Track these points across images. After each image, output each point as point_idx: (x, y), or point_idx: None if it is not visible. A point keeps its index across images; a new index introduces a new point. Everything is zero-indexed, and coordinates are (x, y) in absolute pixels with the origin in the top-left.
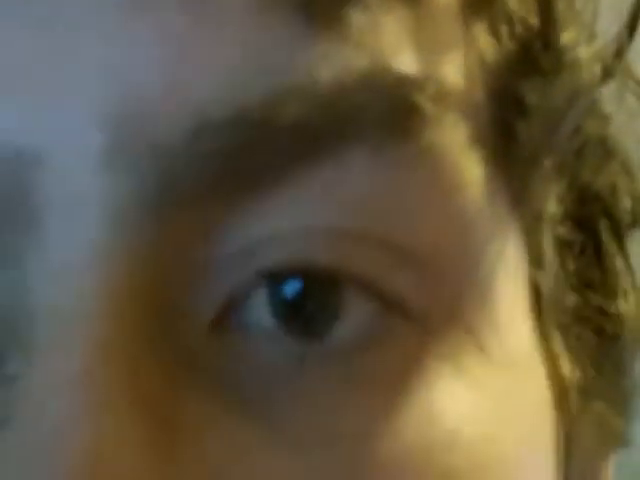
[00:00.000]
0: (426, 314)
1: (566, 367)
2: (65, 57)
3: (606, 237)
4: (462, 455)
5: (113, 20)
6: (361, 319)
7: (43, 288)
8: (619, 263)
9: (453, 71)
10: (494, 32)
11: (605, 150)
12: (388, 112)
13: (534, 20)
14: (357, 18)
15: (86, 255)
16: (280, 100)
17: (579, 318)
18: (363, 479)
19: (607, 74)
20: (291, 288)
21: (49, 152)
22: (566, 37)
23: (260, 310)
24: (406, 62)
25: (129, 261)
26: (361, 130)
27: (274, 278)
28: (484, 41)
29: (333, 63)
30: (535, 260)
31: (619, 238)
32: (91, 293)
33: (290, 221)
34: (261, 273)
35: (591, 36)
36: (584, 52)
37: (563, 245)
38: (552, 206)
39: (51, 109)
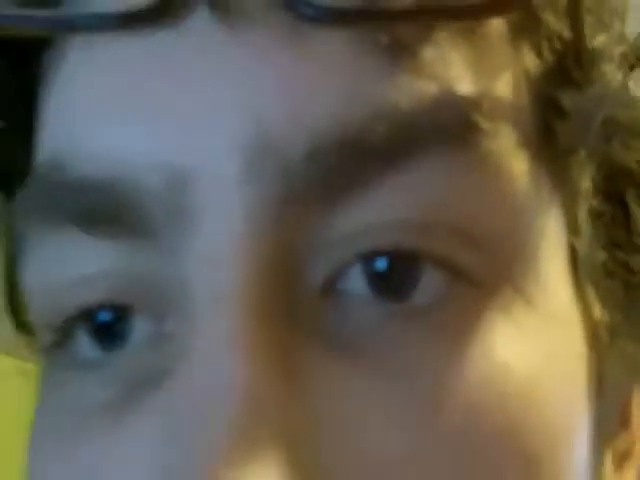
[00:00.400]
0: (485, 280)
1: (597, 313)
2: (212, 98)
3: (633, 204)
4: (515, 386)
5: (246, 69)
6: (435, 286)
7: (199, 269)
8: None
9: (504, 88)
10: (537, 49)
11: (633, 130)
12: (454, 127)
13: (567, 34)
14: (429, 54)
15: (232, 243)
16: (372, 123)
17: (609, 273)
18: (441, 403)
19: (633, 68)
20: (381, 264)
21: (201, 169)
22: (596, 43)
23: (357, 280)
24: (466, 86)
25: (263, 247)
26: (434, 142)
27: (368, 256)
28: (528, 58)
29: (411, 91)
30: (572, 228)
31: None
32: (236, 271)
33: (381, 215)
34: (358, 255)
35: (620, 37)
36: (613, 52)
37: (595, 214)
38: (586, 183)
39: (202, 137)
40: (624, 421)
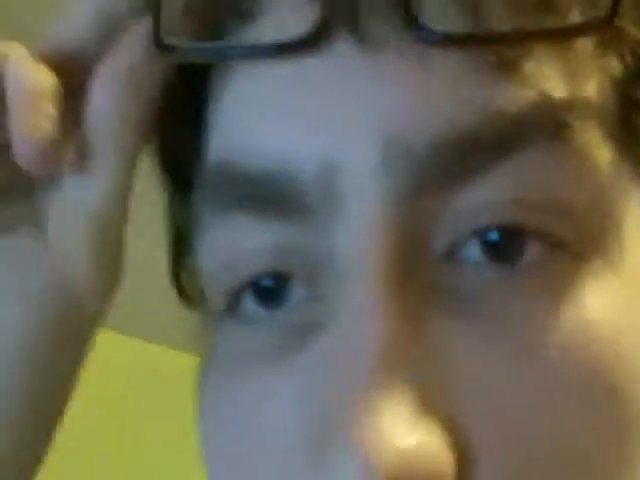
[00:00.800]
0: (578, 249)
1: None
2: (355, 106)
3: None
4: (601, 333)
5: (381, 85)
6: (538, 254)
7: (346, 242)
8: None
9: (591, 91)
10: (620, 55)
11: None
12: (550, 126)
13: None
14: (528, 67)
15: (372, 220)
16: (482, 124)
17: None
18: (542, 348)
19: None
20: (493, 236)
21: (348, 161)
22: None
23: (473, 249)
24: (559, 92)
25: (397, 223)
26: (535, 138)
27: (482, 230)
28: (613, 63)
29: (514, 98)
30: None
31: None
32: (376, 243)
33: (492, 196)
34: (474, 228)
35: None
36: None
37: None
38: None
39: (349, 136)
40: None
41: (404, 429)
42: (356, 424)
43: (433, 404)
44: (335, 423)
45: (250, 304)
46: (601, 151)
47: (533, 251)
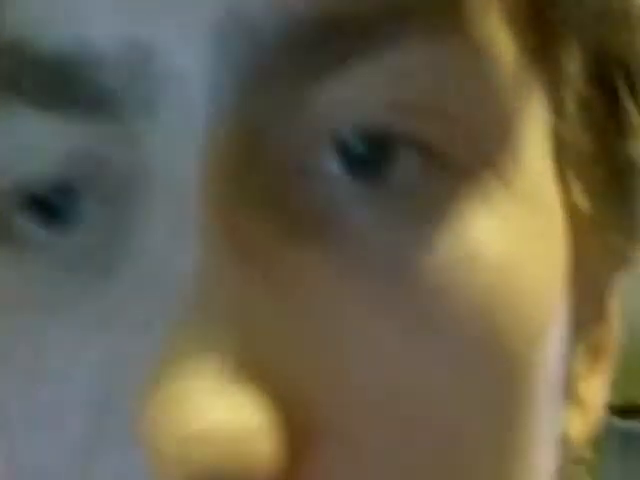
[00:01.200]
0: (462, 163)
1: (579, 201)
2: None
3: (622, 92)
4: (490, 263)
5: None
6: (411, 168)
7: (160, 154)
8: (633, 113)
9: None
10: None
11: (625, 16)
12: (435, 10)
13: None
14: None
15: (197, 125)
16: (347, 3)
17: (595, 161)
18: (419, 291)
19: None
20: (355, 143)
21: (166, 43)
22: None
23: (330, 161)
24: None
25: (227, 128)
26: (413, 22)
27: (341, 136)
28: None
29: None
30: (558, 114)
31: (634, 93)
32: (201, 159)
33: (356, 94)
34: (331, 134)
35: None
36: None
37: (584, 101)
38: (575, 70)
39: (169, 10)
40: (599, 314)
41: (209, 403)
42: (141, 398)
43: (262, 366)
44: (118, 391)
45: (26, 222)
46: (501, 47)
47: (408, 165)
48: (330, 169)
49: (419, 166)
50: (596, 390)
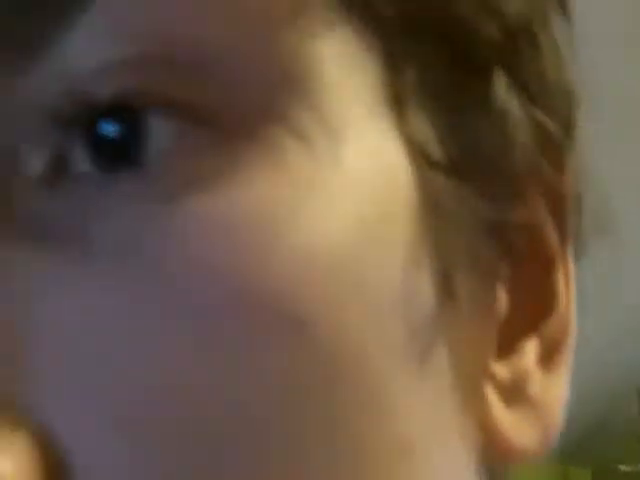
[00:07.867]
0: (229, 124)
1: (430, 148)
2: None
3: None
4: (249, 236)
5: None
6: (165, 140)
7: None
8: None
9: None
10: None
11: None
12: None
13: None
14: None
15: None
16: None
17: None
18: (168, 279)
19: None
20: (103, 126)
21: None
22: None
23: (81, 157)
24: None
25: None
26: None
27: (86, 120)
28: None
29: None
30: (391, 67)
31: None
32: None
33: (82, 62)
34: (53, 113)
35: None
36: None
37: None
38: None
39: None
40: (546, 308)
41: None
42: None
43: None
44: None
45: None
46: None
47: (159, 137)
48: (82, 167)
49: (173, 134)
50: (552, 390)
